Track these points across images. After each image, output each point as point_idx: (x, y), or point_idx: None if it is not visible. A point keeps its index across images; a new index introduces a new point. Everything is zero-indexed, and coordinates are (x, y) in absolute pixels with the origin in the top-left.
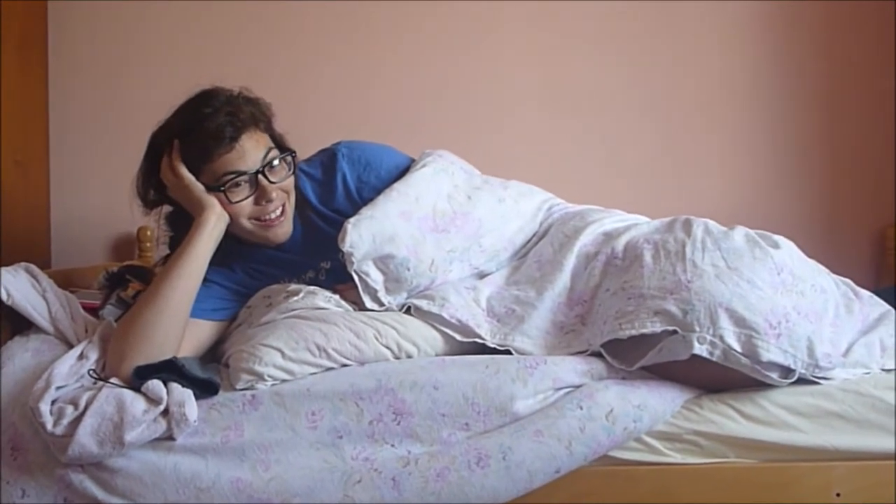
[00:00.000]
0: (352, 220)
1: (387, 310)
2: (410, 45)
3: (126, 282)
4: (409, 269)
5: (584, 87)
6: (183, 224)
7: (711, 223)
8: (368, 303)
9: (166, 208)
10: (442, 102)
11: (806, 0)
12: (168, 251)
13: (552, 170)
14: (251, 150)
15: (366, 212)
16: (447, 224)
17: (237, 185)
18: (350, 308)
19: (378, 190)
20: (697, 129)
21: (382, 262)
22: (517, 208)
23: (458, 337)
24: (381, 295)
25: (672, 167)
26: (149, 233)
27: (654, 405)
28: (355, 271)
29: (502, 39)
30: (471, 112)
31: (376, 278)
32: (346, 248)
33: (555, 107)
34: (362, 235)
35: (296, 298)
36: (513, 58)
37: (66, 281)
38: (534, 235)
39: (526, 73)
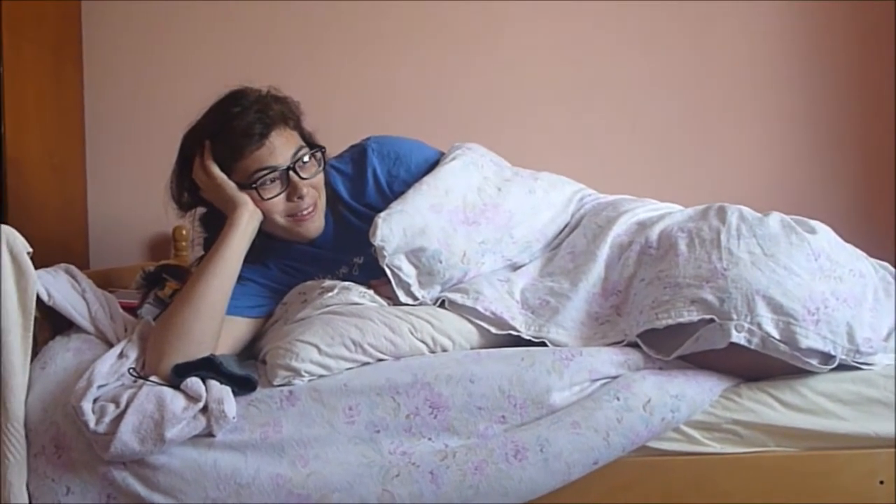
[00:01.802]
0: (382, 214)
1: (421, 304)
2: (434, 39)
3: (163, 281)
4: (441, 262)
5: (611, 77)
6: (217, 225)
7: (746, 210)
8: (402, 297)
9: (200, 210)
10: (467, 96)
11: None
12: (203, 253)
13: (580, 161)
14: (281, 147)
15: (396, 206)
16: (477, 216)
17: (269, 181)
18: (384, 303)
19: (408, 184)
20: (727, 115)
21: (414, 255)
22: (548, 199)
23: (492, 330)
24: (415, 289)
25: (702, 154)
26: (184, 232)
27: (692, 395)
28: (387, 265)
29: (527, 31)
30: (497, 105)
31: (409, 272)
32: (377, 242)
33: (581, 97)
34: (393, 229)
35: (330, 294)
36: (537, 49)
37: (104, 281)
38: (566, 226)
39: (551, 63)
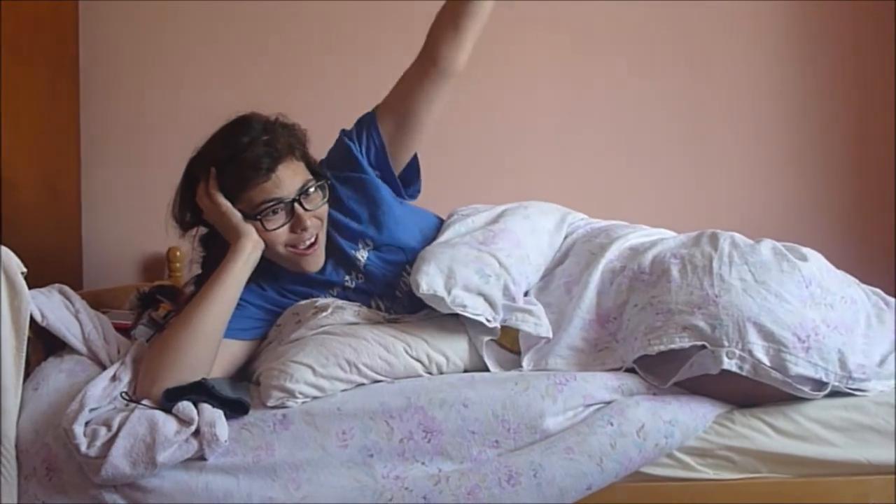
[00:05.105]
0: (412, 270)
1: (403, 318)
2: None
3: (157, 302)
4: (489, 275)
5: (608, 98)
6: (216, 245)
7: (738, 237)
8: (483, 336)
9: (201, 229)
10: (463, 116)
11: (830, 0)
12: (200, 271)
13: (577, 183)
14: (287, 180)
15: (419, 261)
16: (490, 240)
17: (273, 212)
18: (380, 320)
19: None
20: (723, 139)
21: (460, 281)
22: (542, 223)
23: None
24: (489, 315)
25: (697, 178)
26: (178, 253)
27: (685, 421)
28: (455, 307)
29: (523, 53)
30: (493, 127)
31: (475, 303)
32: (424, 292)
33: (578, 119)
34: (429, 272)
35: (325, 314)
36: (535, 68)
37: (97, 301)
38: (558, 250)
39: (548, 84)
